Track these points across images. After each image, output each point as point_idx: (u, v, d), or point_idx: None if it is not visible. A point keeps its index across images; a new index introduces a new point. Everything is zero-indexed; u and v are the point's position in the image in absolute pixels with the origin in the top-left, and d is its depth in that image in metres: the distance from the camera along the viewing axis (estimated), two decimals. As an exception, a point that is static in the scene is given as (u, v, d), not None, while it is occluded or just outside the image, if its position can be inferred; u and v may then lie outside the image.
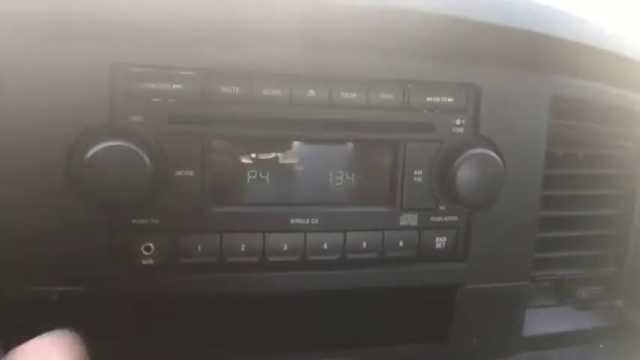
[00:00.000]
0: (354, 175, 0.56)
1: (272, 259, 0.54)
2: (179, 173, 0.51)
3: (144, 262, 0.51)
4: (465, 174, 0.57)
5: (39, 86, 0.47)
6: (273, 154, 0.54)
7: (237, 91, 0.51)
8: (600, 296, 0.71)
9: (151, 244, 0.51)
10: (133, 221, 0.50)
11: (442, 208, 0.58)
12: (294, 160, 0.55)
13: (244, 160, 0.53)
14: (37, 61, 0.47)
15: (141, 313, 0.60)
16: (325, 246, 0.55)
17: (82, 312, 0.51)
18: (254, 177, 0.53)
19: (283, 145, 0.54)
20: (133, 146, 0.47)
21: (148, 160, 0.48)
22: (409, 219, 0.58)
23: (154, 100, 0.49)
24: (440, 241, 0.59)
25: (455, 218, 0.59)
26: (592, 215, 0.70)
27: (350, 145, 0.56)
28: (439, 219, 0.58)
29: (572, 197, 0.68)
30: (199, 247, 0.52)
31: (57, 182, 0.48)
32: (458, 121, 0.58)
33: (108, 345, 0.53)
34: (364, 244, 0.56)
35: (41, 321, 0.50)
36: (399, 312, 0.69)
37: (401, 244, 0.58)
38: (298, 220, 0.54)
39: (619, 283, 0.73)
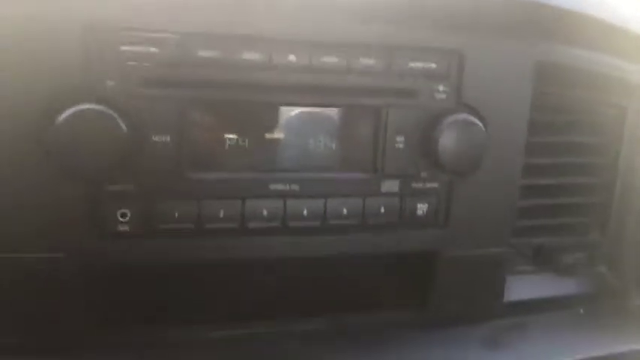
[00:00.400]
0: (335, 141, 0.56)
1: (251, 225, 0.54)
2: (155, 138, 0.50)
3: (120, 228, 0.50)
4: (447, 141, 0.56)
5: (8, 49, 0.46)
6: (252, 120, 0.53)
7: (215, 54, 0.50)
8: (583, 263, 0.72)
9: (126, 211, 0.50)
10: (108, 187, 0.49)
11: (424, 174, 0.58)
12: (273, 126, 0.54)
13: (222, 126, 0.52)
14: (6, 24, 0.45)
15: (117, 283, 0.60)
16: (305, 212, 0.55)
17: (59, 280, 0.51)
18: (232, 143, 0.53)
19: (262, 110, 0.54)
20: (107, 110, 0.46)
21: (123, 125, 0.47)
22: (390, 185, 0.57)
23: (128, 63, 0.48)
24: (421, 208, 0.59)
25: (436, 185, 0.59)
26: (574, 183, 0.70)
27: (331, 110, 0.55)
28: (420, 185, 0.58)
29: (554, 165, 0.68)
30: (176, 213, 0.51)
31: (29, 148, 0.47)
32: (441, 88, 0.57)
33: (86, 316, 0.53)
34: (345, 211, 0.56)
35: (17, 289, 0.50)
36: (379, 279, 0.70)
37: (382, 210, 0.57)
38: (278, 186, 0.54)
39: (602, 250, 0.73)
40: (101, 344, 0.53)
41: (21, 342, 0.51)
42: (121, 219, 0.50)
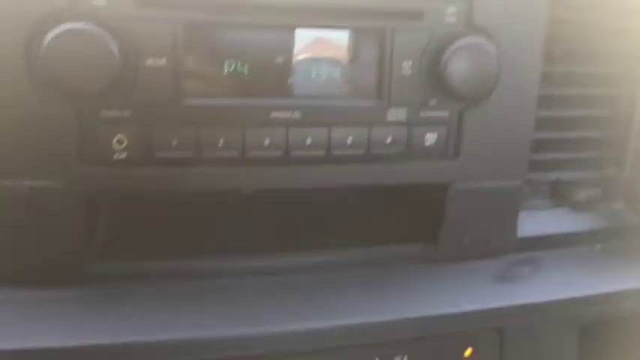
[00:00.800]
0: (338, 66, 0.53)
1: (252, 154, 0.52)
2: (150, 62, 0.48)
3: (116, 156, 0.49)
4: (457, 65, 0.53)
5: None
6: (251, 44, 0.51)
7: None
8: (599, 199, 0.69)
9: (123, 137, 0.49)
10: (103, 113, 0.48)
11: (432, 102, 0.55)
12: (275, 50, 0.51)
13: (221, 50, 0.50)
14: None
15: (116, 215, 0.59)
16: (309, 141, 0.53)
17: (58, 210, 0.49)
18: (231, 67, 0.50)
19: (263, 33, 0.51)
20: (97, 31, 0.44)
21: (114, 47, 0.45)
22: (397, 114, 0.55)
23: None
24: (430, 138, 0.56)
25: (446, 114, 0.56)
26: (591, 116, 0.67)
27: (334, 34, 0.53)
28: (429, 114, 0.56)
29: (570, 96, 0.65)
30: (174, 141, 0.50)
31: (19, 71, 0.45)
32: (450, 9, 0.54)
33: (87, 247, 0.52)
34: (350, 140, 0.54)
35: (16, 219, 0.49)
36: (389, 213, 0.68)
37: (389, 140, 0.55)
38: (279, 114, 0.52)
39: (618, 186, 0.71)
40: (102, 275, 0.52)
41: (22, 274, 0.50)
42: (117, 146, 0.49)
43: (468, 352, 0.57)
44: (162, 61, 0.48)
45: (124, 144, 0.49)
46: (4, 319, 0.48)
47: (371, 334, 0.54)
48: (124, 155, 0.49)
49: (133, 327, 0.49)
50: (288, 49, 0.51)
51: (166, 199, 0.67)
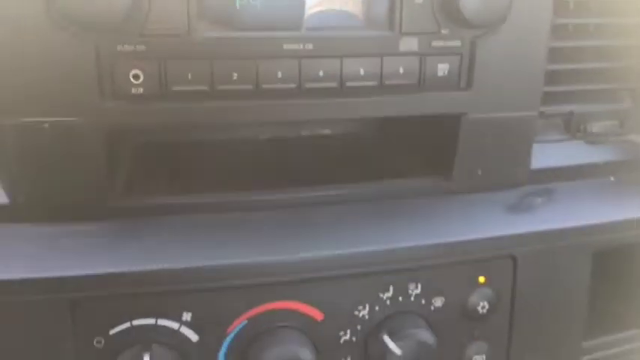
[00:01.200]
0: (349, -4, 0.53)
1: (266, 86, 0.52)
2: None
3: (134, 90, 0.50)
4: (470, -9, 0.53)
5: None
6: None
7: None
8: (613, 131, 0.69)
9: (139, 72, 0.49)
10: (119, 48, 0.48)
11: (445, 32, 0.55)
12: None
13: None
14: None
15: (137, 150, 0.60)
16: (321, 73, 0.53)
17: (78, 146, 0.51)
18: (244, 0, 0.51)
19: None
20: None
21: None
22: (409, 44, 0.55)
23: None
24: (442, 68, 0.57)
25: (458, 43, 0.56)
26: (606, 46, 0.66)
27: (344, -37, 0.53)
28: (441, 44, 0.56)
29: (585, 26, 0.64)
30: (189, 74, 0.50)
31: (37, 7, 0.46)
32: None
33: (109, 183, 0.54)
34: (362, 71, 0.54)
35: (38, 158, 0.50)
36: (402, 148, 0.69)
37: (401, 70, 0.55)
38: (292, 46, 0.52)
39: (633, 118, 0.70)
40: (125, 211, 0.54)
41: (46, 211, 0.52)
42: (133, 81, 0.50)
43: (482, 279, 0.59)
44: None
45: (141, 79, 0.50)
46: (29, 252, 0.49)
47: (385, 261, 0.55)
48: (140, 90, 0.50)
49: (155, 256, 0.50)
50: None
51: (185, 141, 0.68)
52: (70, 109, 0.49)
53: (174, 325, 0.51)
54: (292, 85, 0.53)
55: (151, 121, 0.52)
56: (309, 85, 0.53)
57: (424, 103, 0.57)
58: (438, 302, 0.58)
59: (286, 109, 0.54)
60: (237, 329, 0.53)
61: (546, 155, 0.65)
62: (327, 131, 0.74)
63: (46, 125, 0.49)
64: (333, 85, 0.54)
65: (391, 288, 0.56)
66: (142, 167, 0.62)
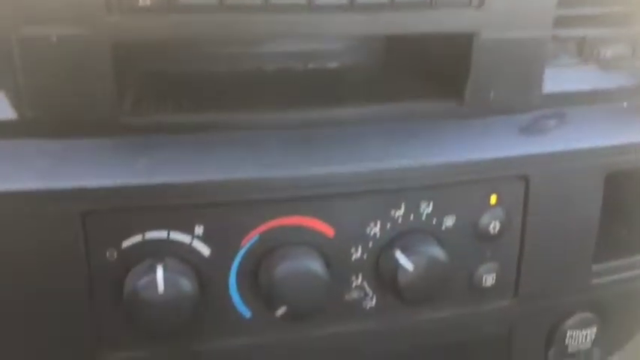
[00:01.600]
0: None
1: (275, 1, 0.51)
2: None
3: (141, 3, 0.49)
4: None
5: None
6: None
7: None
8: (627, 56, 0.68)
9: (146, -18, 0.49)
10: None
11: (457, -54, 0.54)
12: None
13: None
14: None
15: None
16: (331, -13, 0.52)
17: (88, 60, 0.50)
18: None
19: None
20: None
21: None
22: (421, -43, 0.54)
23: None
24: (454, -13, 0.55)
25: None
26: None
27: None
28: (453, -43, 0.55)
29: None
30: (197, -15, 0.49)
31: None
32: None
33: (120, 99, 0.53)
34: (372, -14, 0.53)
35: (47, 72, 0.50)
36: (412, 74, 0.68)
37: (412, -12, 0.54)
38: None
39: (647, 44, 0.69)
40: (137, 127, 0.53)
41: (57, 126, 0.51)
42: (140, -7, 0.49)
43: (493, 199, 0.58)
44: None
45: (147, -8, 0.49)
46: (41, 165, 0.49)
47: (397, 179, 0.55)
48: (147, 2, 0.49)
49: (167, 169, 0.50)
50: None
51: (193, 71, 0.68)
52: (77, 21, 0.48)
53: (187, 238, 0.51)
54: (302, 1, 0.52)
55: (158, 35, 0.51)
56: (318, 1, 0.52)
57: (436, 21, 0.56)
58: (450, 221, 0.58)
59: (295, 25, 0.53)
60: (248, 244, 0.53)
61: (559, 80, 0.64)
62: (334, 64, 0.73)
63: (53, 38, 0.49)
64: (343, 1, 0.53)
65: (403, 205, 0.56)
66: (151, 91, 0.61)
